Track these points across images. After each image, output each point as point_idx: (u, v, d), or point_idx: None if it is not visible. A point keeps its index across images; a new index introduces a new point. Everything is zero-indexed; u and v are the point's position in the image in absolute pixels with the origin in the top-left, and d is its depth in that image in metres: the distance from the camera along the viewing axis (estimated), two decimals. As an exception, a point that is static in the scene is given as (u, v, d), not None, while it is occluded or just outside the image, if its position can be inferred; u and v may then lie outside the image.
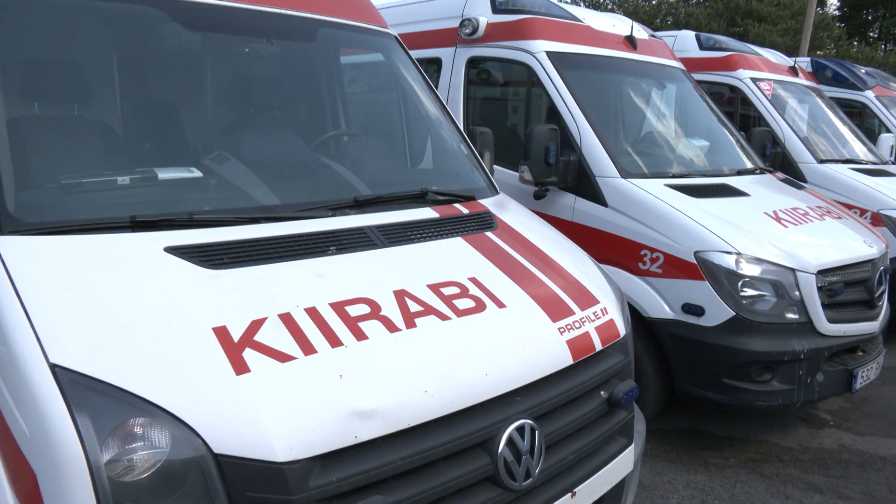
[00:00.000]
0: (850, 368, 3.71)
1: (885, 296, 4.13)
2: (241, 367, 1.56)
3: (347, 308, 1.83)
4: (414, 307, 1.92)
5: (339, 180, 2.62)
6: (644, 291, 3.66)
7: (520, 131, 4.71)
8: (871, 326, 3.88)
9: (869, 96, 8.17)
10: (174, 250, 1.84)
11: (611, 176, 3.93)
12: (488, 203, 2.79)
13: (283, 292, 1.82)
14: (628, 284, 3.66)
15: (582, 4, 31.98)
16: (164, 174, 2.16)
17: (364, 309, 1.85)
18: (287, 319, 1.72)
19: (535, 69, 4.30)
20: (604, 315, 2.32)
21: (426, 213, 2.48)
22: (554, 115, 4.22)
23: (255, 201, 2.25)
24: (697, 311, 3.50)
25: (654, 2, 33.16)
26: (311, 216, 2.20)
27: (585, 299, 2.33)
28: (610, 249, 3.81)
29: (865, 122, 8.25)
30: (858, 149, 6.78)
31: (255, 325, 1.68)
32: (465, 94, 4.68)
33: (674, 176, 4.19)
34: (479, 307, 2.03)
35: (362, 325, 1.79)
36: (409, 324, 1.86)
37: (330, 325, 1.75)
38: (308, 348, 1.67)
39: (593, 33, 4.69)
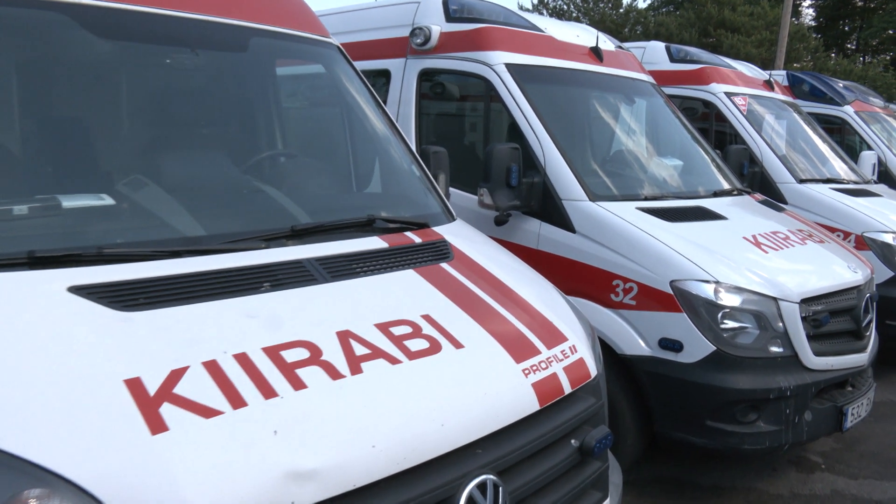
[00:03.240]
0: (839, 405, 3.83)
1: (873, 325, 4.30)
2: (157, 426, 1.52)
3: (283, 353, 1.80)
4: (360, 350, 1.91)
5: (275, 207, 2.60)
6: (617, 326, 3.71)
7: (478, 150, 4.78)
8: (860, 359, 4.03)
9: (848, 112, 8.61)
10: (80, 290, 1.79)
11: (578, 199, 4.01)
12: (444, 231, 2.81)
13: (209, 337, 1.78)
14: (600, 318, 3.71)
15: (545, 13, 33.00)
16: (69, 202, 2.10)
17: (303, 353, 1.83)
18: (213, 368, 1.69)
19: (494, 83, 4.39)
20: (573, 353, 2.35)
21: (374, 242, 2.48)
22: (515, 132, 4.30)
23: (177, 232, 2.21)
24: (675, 346, 3.57)
25: (621, 10, 34.43)
26: (241, 248, 2.17)
27: (552, 336, 2.35)
28: (579, 280, 3.86)
29: (846, 139, 8.68)
30: (840, 168, 7.11)
31: (175, 375, 1.63)
32: (416, 110, 4.72)
33: (646, 198, 4.30)
34: (434, 348, 2.03)
35: (301, 372, 1.77)
36: (355, 369, 1.84)
37: (263, 374, 1.72)
38: (237, 401, 1.63)
39: (556, 44, 4.82)
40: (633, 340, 3.67)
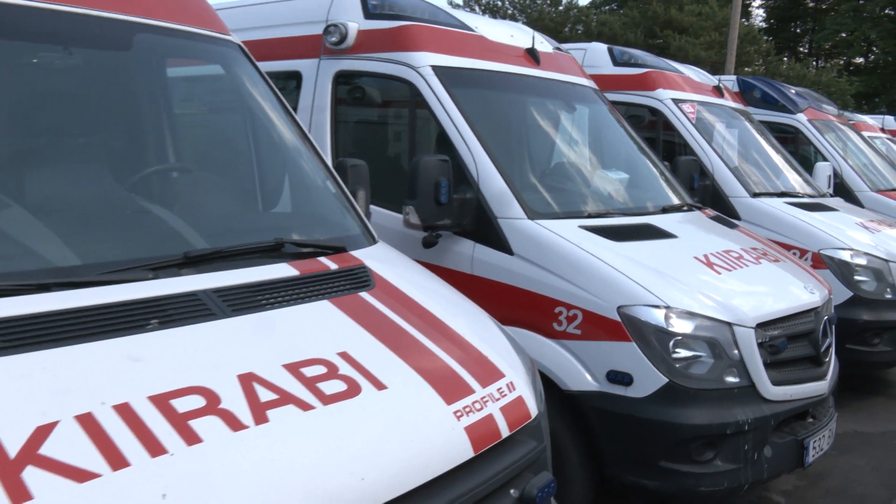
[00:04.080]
0: (800, 439, 4.00)
1: (832, 350, 4.52)
2: (19, 494, 1.44)
3: (174, 402, 1.75)
4: (266, 396, 1.87)
5: (165, 230, 2.55)
6: (561, 358, 3.78)
7: (403, 163, 4.81)
8: (820, 387, 4.22)
9: (801, 120, 9.12)
10: (-78, 334, 1.69)
11: (516, 217, 4.08)
12: (363, 255, 2.81)
13: (84, 385, 1.72)
14: (541, 350, 3.77)
15: (477, 10, 33.66)
16: None
17: (197, 402, 1.78)
18: (88, 422, 1.62)
19: (420, 87, 4.43)
20: (511, 391, 2.37)
21: (282, 270, 2.46)
22: (444, 143, 4.35)
23: (45, 261, 2.14)
24: (625, 379, 3.65)
25: (560, 8, 35.51)
26: (124, 279, 2.11)
27: (487, 373, 2.37)
28: (518, 307, 3.91)
29: (799, 149, 9.19)
30: (794, 180, 7.51)
31: (42, 432, 1.56)
32: (332, 118, 4.72)
33: (590, 215, 4.41)
34: (353, 390, 2.01)
35: (195, 423, 1.72)
36: (260, 418, 1.80)
37: (149, 427, 1.67)
38: (117, 460, 1.57)
39: (488, 45, 4.93)
40: (579, 374, 3.74)
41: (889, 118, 17.33)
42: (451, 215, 4.02)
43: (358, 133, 5.12)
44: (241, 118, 3.42)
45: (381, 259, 2.85)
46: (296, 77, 4.86)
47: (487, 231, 4.09)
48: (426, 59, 4.50)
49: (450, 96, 4.38)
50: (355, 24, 4.69)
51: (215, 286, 2.21)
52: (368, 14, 4.72)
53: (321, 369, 2.04)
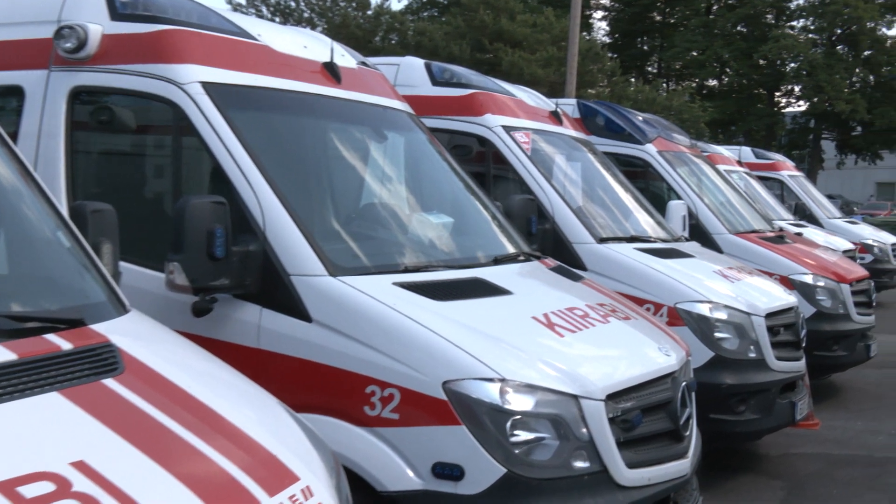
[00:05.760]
0: (662, 532, 4.24)
1: (693, 422, 4.86)
2: None
3: None
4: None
5: None
6: (375, 451, 3.78)
7: (166, 207, 4.69)
8: (681, 467, 4.51)
9: (650, 151, 9.88)
10: None
11: (314, 274, 4.08)
12: (109, 329, 2.73)
13: None
14: (349, 442, 3.76)
15: (264, 12, 33.72)
16: None
17: None
18: None
19: (186, 109, 4.37)
20: (307, 499, 2.36)
21: (-7, 352, 2.33)
22: (220, 181, 4.30)
23: None
24: (454, 472, 3.72)
25: (370, 12, 36.40)
26: None
27: (277, 477, 2.36)
28: (318, 389, 3.90)
29: (650, 186, 9.93)
30: (645, 222, 8.11)
31: None
32: (67, 148, 4.52)
33: (407, 269, 4.50)
34: (92, 514, 1.92)
35: None
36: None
37: None
38: None
39: (276, 57, 4.95)
40: (398, 470, 3.76)
41: (746, 149, 19.24)
42: (229, 273, 3.96)
43: (103, 168, 4.96)
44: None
45: (133, 334, 2.79)
46: (15, 93, 4.63)
47: (278, 292, 4.06)
48: (194, 74, 4.45)
49: (226, 121, 4.35)
50: (99, 26, 4.55)
51: None
52: (116, 14, 4.60)
53: (48, 487, 1.93)
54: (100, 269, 3.06)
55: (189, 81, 4.41)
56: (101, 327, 2.72)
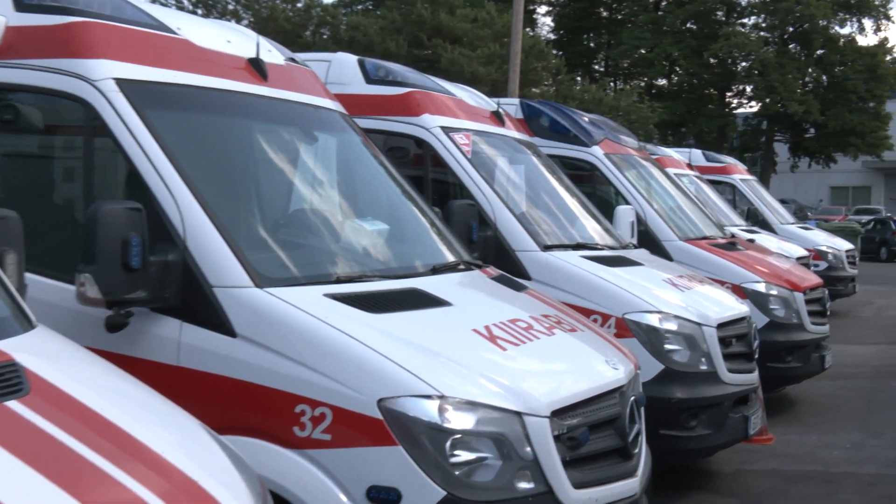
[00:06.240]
0: (610, 555, 4.29)
1: (643, 438, 4.92)
2: None
3: None
4: None
5: None
6: (305, 474, 3.76)
7: (77, 213, 4.64)
8: (630, 486, 4.56)
9: (597, 154, 10.02)
10: None
11: (238, 285, 4.05)
12: (14, 347, 2.70)
13: None
14: (277, 465, 3.74)
15: (186, 3, 33.33)
16: None
17: None
18: None
19: (99, 107, 4.32)
20: (231, 528, 2.35)
21: None
22: (136, 185, 4.26)
23: None
24: (391, 496, 3.71)
25: (300, 5, 36.24)
26: None
27: (198, 504, 2.33)
28: (244, 408, 3.87)
29: (597, 190, 10.05)
30: (592, 228, 8.21)
31: None
32: (-34, 149, 4.45)
33: (339, 280, 4.50)
34: (-6, 548, 1.89)
35: None
36: None
37: None
38: None
39: (196, 52, 4.92)
40: (330, 495, 3.73)
41: (696, 152, 19.58)
42: (146, 285, 3.91)
43: (7, 172, 4.88)
44: None
45: (40, 352, 2.77)
46: None
47: (199, 306, 4.03)
48: (107, 70, 4.40)
49: (142, 121, 4.31)
50: (2, 17, 4.49)
51: None
52: (22, 5, 4.55)
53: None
54: (2, 282, 3.02)
55: (102, 78, 4.36)
56: (4, 344, 2.68)
